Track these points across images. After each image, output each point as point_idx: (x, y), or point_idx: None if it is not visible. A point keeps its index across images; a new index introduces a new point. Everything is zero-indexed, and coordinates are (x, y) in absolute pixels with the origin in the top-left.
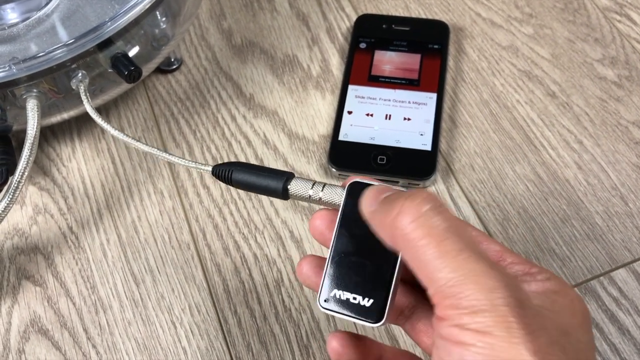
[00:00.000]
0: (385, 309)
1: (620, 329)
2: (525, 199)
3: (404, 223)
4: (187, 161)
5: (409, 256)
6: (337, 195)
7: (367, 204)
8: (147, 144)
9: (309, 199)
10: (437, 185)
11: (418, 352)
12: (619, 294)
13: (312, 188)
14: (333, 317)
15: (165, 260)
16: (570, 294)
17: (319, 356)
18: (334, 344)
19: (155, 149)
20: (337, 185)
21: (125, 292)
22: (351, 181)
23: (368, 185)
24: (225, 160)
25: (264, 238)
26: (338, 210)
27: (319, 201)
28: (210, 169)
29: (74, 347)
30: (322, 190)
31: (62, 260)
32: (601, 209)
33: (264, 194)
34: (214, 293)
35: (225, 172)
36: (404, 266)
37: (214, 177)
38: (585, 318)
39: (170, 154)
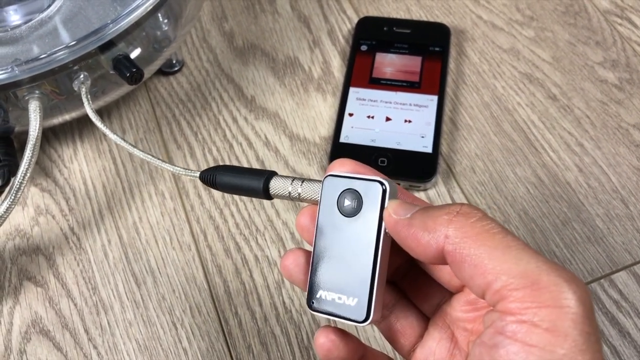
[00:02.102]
0: (370, 307)
1: (620, 331)
2: (526, 201)
3: (465, 222)
4: (177, 168)
5: (465, 253)
6: (315, 192)
7: (401, 214)
8: (142, 151)
9: (289, 196)
10: (438, 188)
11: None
12: (619, 297)
13: (291, 184)
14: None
15: (166, 261)
16: None
17: (319, 358)
18: (322, 340)
19: (150, 156)
20: (316, 180)
21: (126, 293)
22: (327, 174)
23: (343, 177)
24: (227, 163)
25: (265, 239)
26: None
27: (299, 198)
28: (198, 174)
29: (75, 348)
30: (300, 185)
31: (64, 261)
32: (602, 212)
33: (249, 196)
34: (215, 294)
35: (211, 177)
36: (386, 263)
37: (204, 185)
38: None
39: (162, 161)
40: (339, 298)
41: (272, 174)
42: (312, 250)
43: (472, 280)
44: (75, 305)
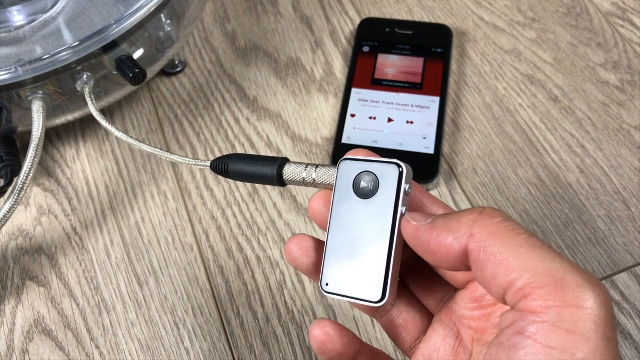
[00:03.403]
0: (387, 287)
1: (622, 333)
2: (527, 202)
3: (490, 221)
4: (187, 159)
5: (490, 251)
6: (330, 176)
7: (420, 220)
8: (149, 145)
9: (303, 182)
10: (439, 189)
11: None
12: (621, 298)
13: (305, 170)
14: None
15: (168, 261)
16: None
17: (313, 349)
18: (317, 332)
19: (158, 149)
20: (330, 166)
21: (128, 293)
22: (342, 159)
23: (358, 160)
24: None
25: (267, 240)
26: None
27: (314, 183)
28: (209, 164)
29: (77, 348)
30: (315, 171)
31: (66, 261)
32: (603, 213)
33: (261, 183)
34: (217, 295)
35: (223, 165)
36: (402, 245)
37: (214, 173)
38: None
39: (171, 153)
40: (354, 279)
41: (285, 160)
42: (326, 233)
43: (494, 280)
44: (78, 305)
